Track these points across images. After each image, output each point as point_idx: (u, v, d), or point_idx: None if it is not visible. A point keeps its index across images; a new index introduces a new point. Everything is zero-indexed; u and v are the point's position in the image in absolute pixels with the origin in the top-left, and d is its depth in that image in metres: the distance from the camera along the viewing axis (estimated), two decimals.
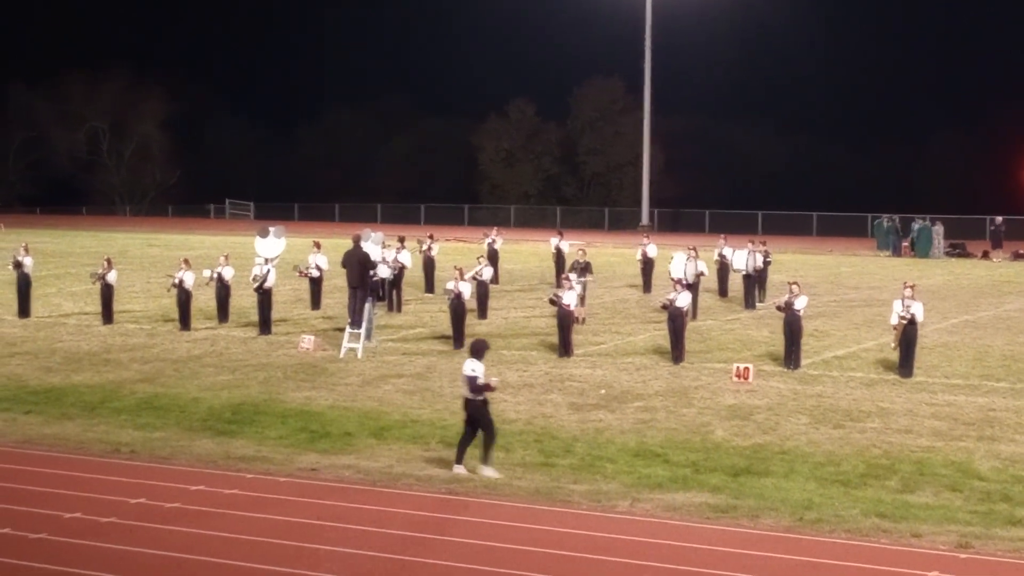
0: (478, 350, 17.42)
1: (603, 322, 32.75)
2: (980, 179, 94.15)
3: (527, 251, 58.72)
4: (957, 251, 61.32)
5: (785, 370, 25.50)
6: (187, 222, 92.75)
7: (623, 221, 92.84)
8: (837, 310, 36.07)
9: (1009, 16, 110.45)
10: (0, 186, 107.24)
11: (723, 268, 38.42)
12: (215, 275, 31.49)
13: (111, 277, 31.93)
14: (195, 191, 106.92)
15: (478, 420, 17.24)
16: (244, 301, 33.49)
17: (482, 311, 32.93)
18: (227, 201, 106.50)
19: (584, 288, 32.15)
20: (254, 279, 30.43)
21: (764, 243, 38.48)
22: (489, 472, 17.12)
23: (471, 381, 17.12)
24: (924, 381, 24.47)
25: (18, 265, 33.31)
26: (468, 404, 17.35)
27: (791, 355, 25.80)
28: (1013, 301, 39.62)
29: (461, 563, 13.79)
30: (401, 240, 36.98)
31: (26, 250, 33.79)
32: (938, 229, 61.75)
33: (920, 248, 60.69)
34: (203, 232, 77.98)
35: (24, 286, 33.35)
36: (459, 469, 17.30)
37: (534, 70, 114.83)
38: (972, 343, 29.69)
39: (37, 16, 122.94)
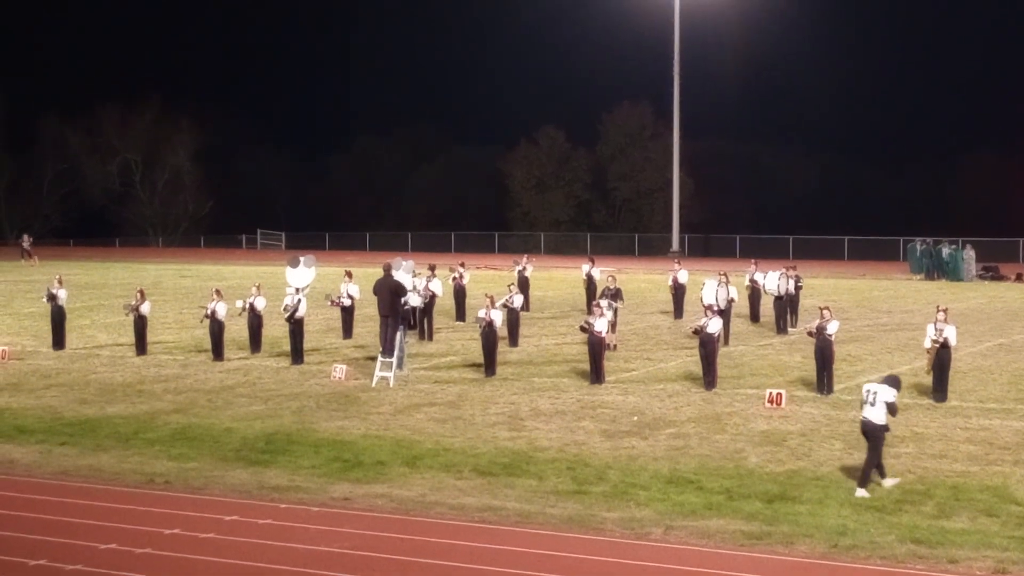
0: (896, 382, 18.29)
1: (634, 348, 32.70)
2: (1013, 201, 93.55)
3: (558, 278, 58.72)
4: (990, 274, 60.87)
5: (818, 395, 25.39)
6: (219, 253, 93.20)
7: (654, 247, 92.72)
8: (870, 334, 35.88)
9: None
10: (34, 219, 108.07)
11: (754, 293, 38.29)
12: (247, 305, 31.63)
13: (144, 308, 32.09)
14: (227, 222, 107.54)
15: (871, 439, 17.87)
16: (276, 331, 33.61)
17: (513, 338, 32.96)
18: (259, 231, 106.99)
19: (615, 314, 32.11)
20: (285, 309, 30.54)
21: (794, 268, 38.33)
22: (862, 493, 17.55)
23: (891, 407, 17.87)
24: (958, 406, 24.30)
25: (52, 298, 33.56)
26: (866, 425, 17.95)
27: (823, 380, 25.69)
28: None
29: None
30: (432, 268, 37.05)
31: (60, 282, 34.05)
32: (969, 253, 61.28)
33: (951, 272, 60.32)
34: (235, 262, 78.35)
35: (58, 318, 33.59)
36: (888, 482, 17.91)
37: (563, 97, 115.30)
38: (1007, 367, 29.48)
39: (69, 50, 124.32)
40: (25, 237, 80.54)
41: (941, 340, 24.65)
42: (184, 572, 14.45)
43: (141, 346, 32.12)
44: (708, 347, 26.47)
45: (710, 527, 16.13)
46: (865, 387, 18.30)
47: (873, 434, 17.89)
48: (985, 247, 66.29)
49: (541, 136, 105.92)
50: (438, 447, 20.85)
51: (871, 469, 17.83)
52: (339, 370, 28.06)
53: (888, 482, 17.89)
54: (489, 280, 51.48)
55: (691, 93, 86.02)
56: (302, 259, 31.74)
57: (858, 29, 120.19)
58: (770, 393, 24.62)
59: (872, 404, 17.86)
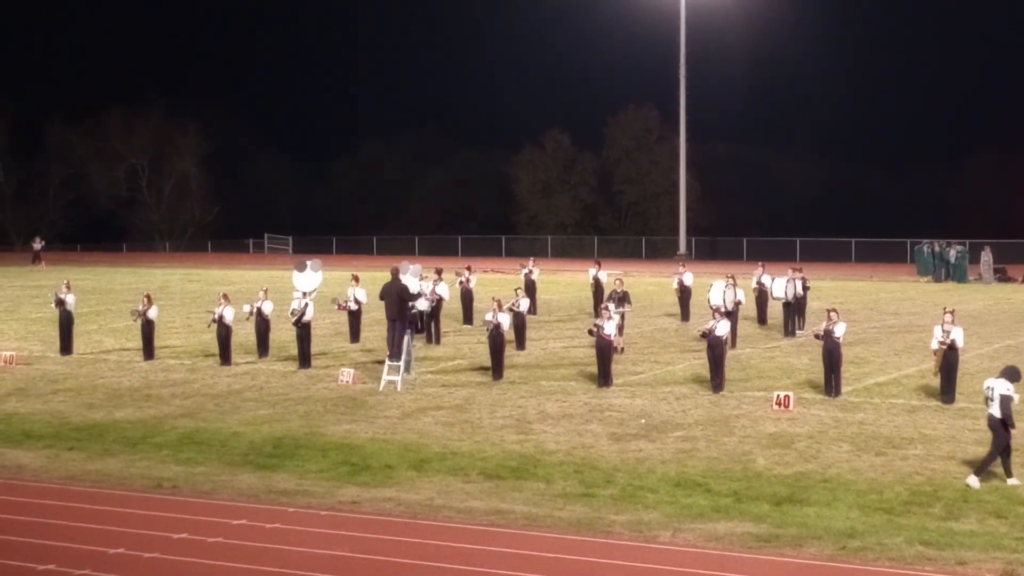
0: (1014, 374, 18.41)
1: (642, 351, 32.69)
2: (1020, 201, 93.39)
3: (565, 281, 58.71)
4: (998, 275, 60.79)
5: (826, 397, 25.36)
6: (226, 257, 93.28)
7: (660, 250, 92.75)
8: (877, 336, 35.85)
9: None
10: (41, 224, 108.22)
11: (762, 296, 38.27)
12: (254, 309, 31.65)
13: (152, 313, 32.11)
14: (234, 226, 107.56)
15: (995, 434, 18.29)
16: (284, 335, 33.64)
17: (520, 342, 32.96)
18: (266, 236, 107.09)
19: (622, 317, 32.09)
20: (292, 313, 30.56)
21: (800, 270, 38.21)
22: (973, 481, 17.93)
23: (1005, 401, 18.05)
24: (966, 407, 24.26)
25: (60, 303, 33.59)
26: (990, 420, 18.34)
27: (831, 382, 25.67)
28: None
29: None
30: (438, 272, 37.06)
31: (68, 287, 34.05)
32: (987, 256, 61.04)
33: (958, 274, 60.26)
34: (242, 267, 78.43)
35: (66, 323, 33.63)
36: (1013, 481, 18.15)
37: (568, 100, 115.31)
38: None
39: (73, 55, 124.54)
40: (36, 239, 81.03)
41: (948, 342, 24.64)
42: None
43: (148, 351, 32.16)
44: (716, 350, 26.45)
45: (718, 530, 16.11)
46: (985, 384, 18.66)
47: (994, 428, 18.24)
48: (992, 248, 66.12)
49: (546, 139, 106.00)
50: (445, 451, 20.85)
51: (991, 462, 18.14)
52: (346, 374, 28.07)
53: (1012, 481, 18.07)
54: (496, 284, 51.50)
55: (697, 96, 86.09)
56: (309, 263, 31.76)
57: (862, 32, 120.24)
58: (778, 395, 24.61)
59: (993, 400, 18.16)
